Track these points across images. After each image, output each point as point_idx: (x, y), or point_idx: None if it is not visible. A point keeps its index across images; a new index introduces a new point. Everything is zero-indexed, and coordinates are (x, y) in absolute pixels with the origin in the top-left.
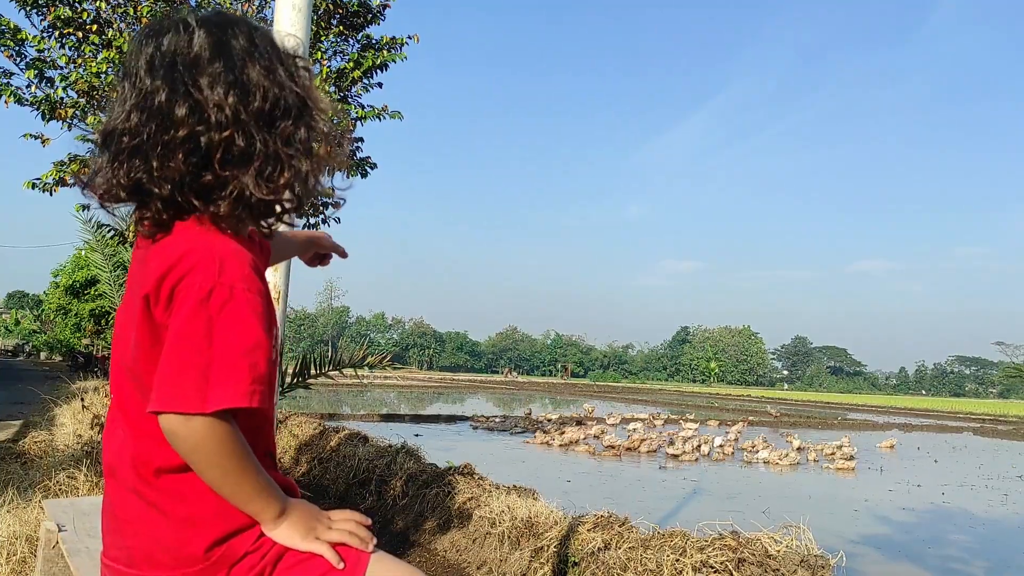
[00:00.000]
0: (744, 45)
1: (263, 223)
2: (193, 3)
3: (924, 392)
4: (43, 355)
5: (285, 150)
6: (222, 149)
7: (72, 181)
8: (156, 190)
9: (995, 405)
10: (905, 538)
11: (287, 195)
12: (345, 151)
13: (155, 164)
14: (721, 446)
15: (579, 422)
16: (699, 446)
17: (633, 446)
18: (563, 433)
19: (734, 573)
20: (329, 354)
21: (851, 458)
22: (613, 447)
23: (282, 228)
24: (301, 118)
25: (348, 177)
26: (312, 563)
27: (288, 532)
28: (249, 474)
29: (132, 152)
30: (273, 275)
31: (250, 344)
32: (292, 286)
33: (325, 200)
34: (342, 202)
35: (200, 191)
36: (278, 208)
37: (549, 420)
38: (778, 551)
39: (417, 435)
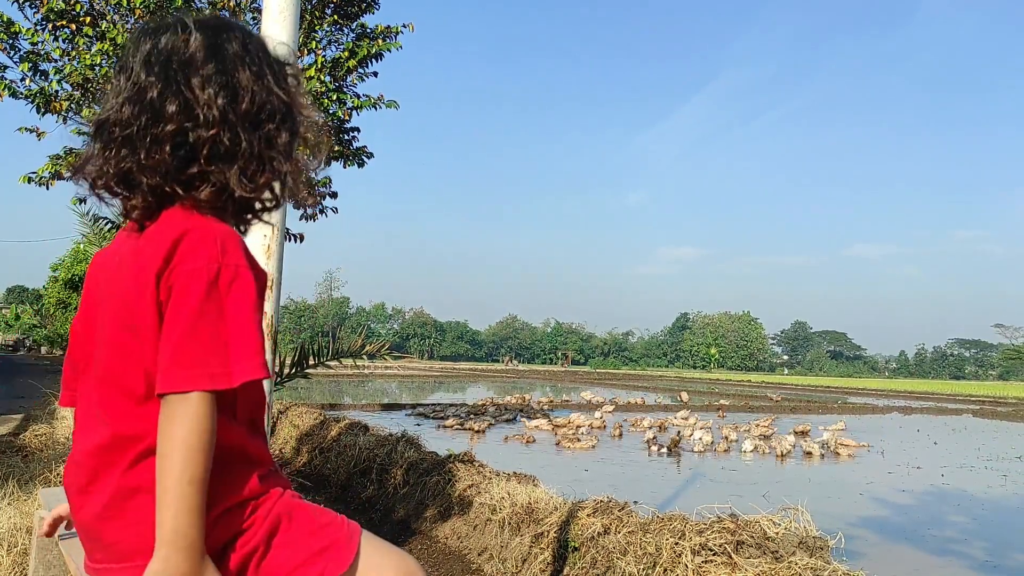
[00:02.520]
0: (741, 30)
1: (240, 220)
2: None
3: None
4: (44, 349)
5: (268, 152)
6: (209, 146)
7: (68, 174)
8: (144, 179)
9: (995, 387)
10: (904, 519)
11: (266, 195)
12: (324, 155)
13: (143, 155)
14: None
15: (521, 410)
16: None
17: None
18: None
19: (733, 555)
20: (328, 344)
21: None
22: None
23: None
24: (285, 123)
25: (345, 167)
26: (306, 541)
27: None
28: (203, 477)
29: (122, 142)
30: (267, 263)
31: (257, 321)
32: (291, 278)
33: (322, 191)
34: (321, 204)
35: (184, 183)
36: (257, 206)
37: (497, 406)
38: (776, 533)
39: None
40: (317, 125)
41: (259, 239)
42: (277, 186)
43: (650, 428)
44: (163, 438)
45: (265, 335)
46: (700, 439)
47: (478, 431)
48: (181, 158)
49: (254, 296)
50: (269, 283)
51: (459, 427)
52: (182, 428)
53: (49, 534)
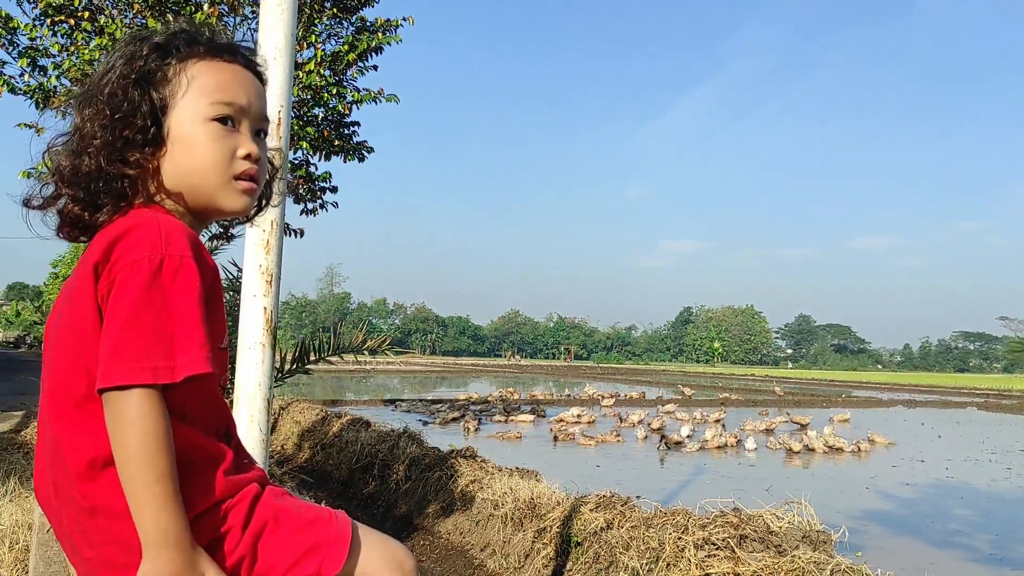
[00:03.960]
0: (742, 23)
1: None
2: None
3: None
4: None
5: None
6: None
7: None
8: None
9: (999, 380)
10: (908, 513)
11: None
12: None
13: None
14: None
15: (507, 410)
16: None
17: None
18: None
19: (736, 549)
20: (329, 340)
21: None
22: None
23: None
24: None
25: (346, 161)
26: (295, 540)
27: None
28: (171, 470)
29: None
30: (266, 257)
31: (203, 314)
32: (292, 273)
33: (322, 185)
34: (321, 199)
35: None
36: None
37: (488, 401)
38: (780, 527)
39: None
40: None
41: (258, 234)
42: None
43: (640, 423)
44: (116, 444)
45: (265, 330)
46: (687, 434)
47: (474, 429)
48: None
49: (199, 288)
50: (268, 278)
51: (447, 423)
52: (133, 429)
53: None
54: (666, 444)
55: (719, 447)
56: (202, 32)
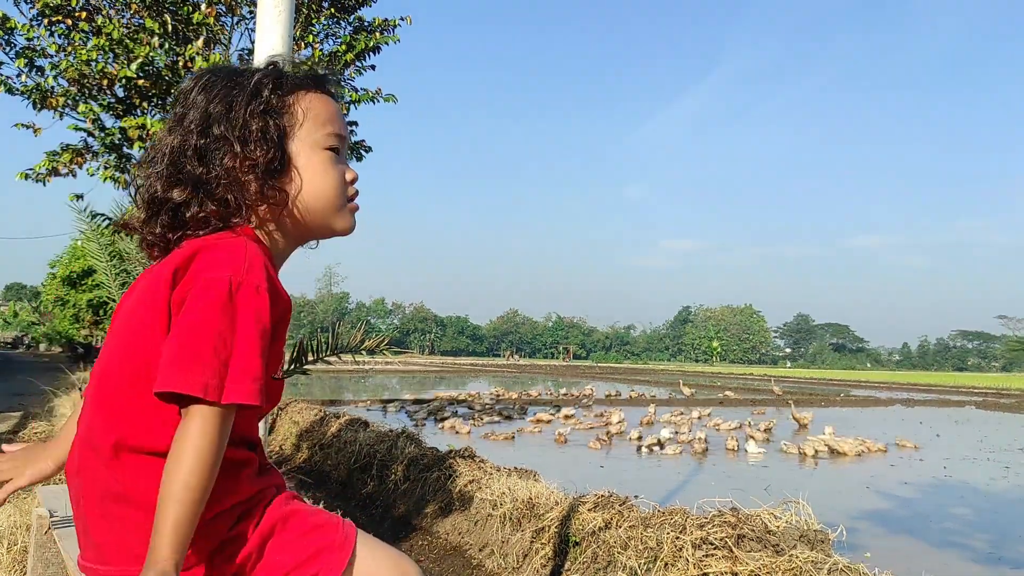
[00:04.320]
0: (740, 20)
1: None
2: None
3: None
4: (42, 347)
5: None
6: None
7: (65, 171)
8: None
9: (998, 379)
10: (906, 512)
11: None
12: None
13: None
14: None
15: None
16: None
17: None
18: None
19: (734, 549)
20: (327, 340)
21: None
22: None
23: None
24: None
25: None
26: (300, 544)
27: None
28: (207, 494)
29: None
30: None
31: (263, 346)
32: (291, 273)
33: None
34: None
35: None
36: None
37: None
38: (778, 527)
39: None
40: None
41: None
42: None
43: (619, 423)
44: (175, 452)
45: None
46: (666, 436)
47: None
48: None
49: (267, 321)
50: None
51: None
52: (191, 442)
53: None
54: (648, 447)
55: (703, 451)
56: (299, 66)
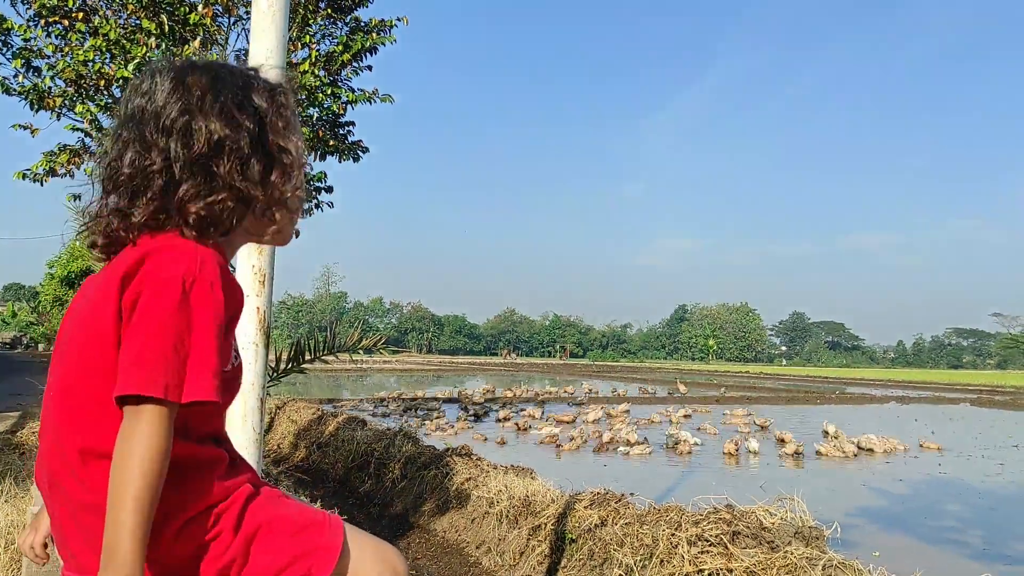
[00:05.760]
0: (737, 20)
1: (229, 244)
2: None
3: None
4: (41, 347)
5: (239, 182)
6: (163, 186)
7: (62, 171)
8: (115, 222)
9: (992, 376)
10: (901, 509)
11: (223, 214)
12: (301, 177)
13: (112, 202)
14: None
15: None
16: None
17: None
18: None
19: (729, 546)
20: (325, 339)
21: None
22: None
23: None
24: (255, 153)
25: (340, 161)
26: (287, 544)
27: None
28: (158, 493)
29: (104, 194)
30: (259, 258)
31: (220, 344)
32: (288, 273)
33: (317, 185)
34: (316, 199)
35: (150, 222)
36: (211, 222)
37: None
38: (772, 523)
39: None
40: (297, 148)
41: None
42: (239, 209)
43: (595, 422)
44: (119, 453)
45: (259, 330)
46: (627, 438)
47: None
48: (142, 203)
49: (223, 318)
50: (261, 278)
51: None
52: (139, 444)
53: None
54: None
55: (687, 452)
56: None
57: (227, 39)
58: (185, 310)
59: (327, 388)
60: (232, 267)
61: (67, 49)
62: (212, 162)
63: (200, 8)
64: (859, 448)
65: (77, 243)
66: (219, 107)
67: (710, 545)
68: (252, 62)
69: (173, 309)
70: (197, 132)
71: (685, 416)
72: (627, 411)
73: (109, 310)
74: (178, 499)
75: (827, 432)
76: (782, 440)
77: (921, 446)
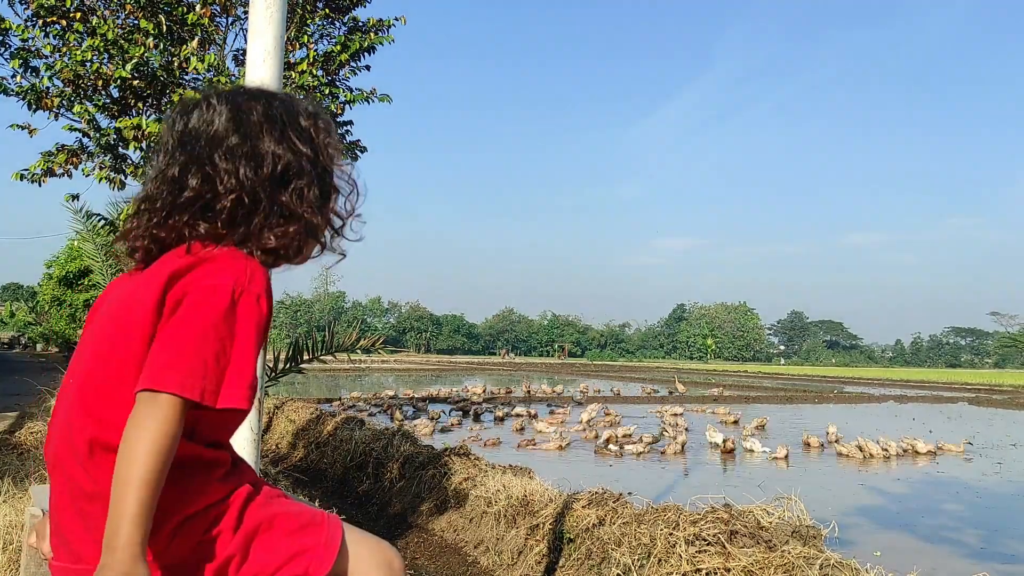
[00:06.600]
0: (732, 20)
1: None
2: None
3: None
4: (39, 347)
5: (298, 207)
6: (229, 209)
7: (60, 172)
8: (166, 237)
9: (990, 375)
10: (898, 508)
11: (295, 244)
12: (354, 200)
13: (166, 220)
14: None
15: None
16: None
17: None
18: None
19: (726, 545)
20: (323, 339)
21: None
22: None
23: None
24: (313, 178)
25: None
26: (286, 543)
27: None
28: (161, 483)
29: (151, 213)
30: None
31: (257, 355)
32: (289, 273)
33: None
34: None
35: (217, 231)
36: (286, 254)
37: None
38: (770, 522)
39: None
40: (349, 173)
41: None
42: (306, 235)
43: (593, 421)
44: (128, 439)
45: None
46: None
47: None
48: (205, 221)
49: (263, 330)
50: None
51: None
52: (151, 432)
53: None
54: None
55: (678, 452)
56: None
57: (225, 39)
58: (231, 319)
59: (325, 388)
60: None
61: (65, 49)
62: (281, 187)
63: (198, 8)
64: (902, 450)
65: (75, 243)
66: (279, 133)
67: (708, 544)
68: (250, 62)
69: (220, 316)
70: (263, 156)
71: (676, 415)
72: (624, 412)
73: (148, 304)
74: (177, 496)
75: (828, 433)
76: (807, 443)
77: (940, 448)
